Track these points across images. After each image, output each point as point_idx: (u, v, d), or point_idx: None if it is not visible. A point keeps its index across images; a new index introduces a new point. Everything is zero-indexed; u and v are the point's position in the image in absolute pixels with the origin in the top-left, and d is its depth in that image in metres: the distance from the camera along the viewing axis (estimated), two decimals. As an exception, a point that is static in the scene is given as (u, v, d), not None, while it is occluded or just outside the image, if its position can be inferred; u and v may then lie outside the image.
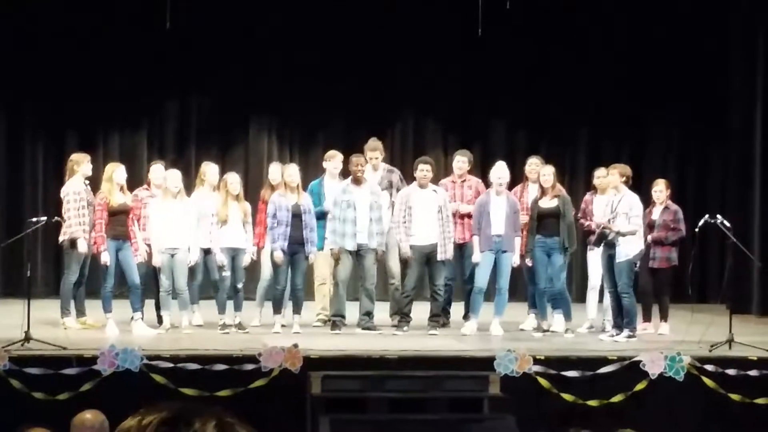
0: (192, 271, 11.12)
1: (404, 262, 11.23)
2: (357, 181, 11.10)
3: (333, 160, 11.76)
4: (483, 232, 10.96)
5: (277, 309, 10.98)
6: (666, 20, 14.97)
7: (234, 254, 11.00)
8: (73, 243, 10.89)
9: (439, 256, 10.95)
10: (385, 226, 11.19)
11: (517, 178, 12.25)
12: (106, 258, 10.67)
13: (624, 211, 10.65)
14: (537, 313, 11.37)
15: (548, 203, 11.04)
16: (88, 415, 6.01)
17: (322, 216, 11.28)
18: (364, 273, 11.05)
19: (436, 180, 11.57)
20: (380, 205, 11.13)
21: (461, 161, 11.76)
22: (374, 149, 11.78)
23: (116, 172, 10.89)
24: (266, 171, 13.08)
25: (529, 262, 11.13)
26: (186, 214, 10.87)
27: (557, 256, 10.97)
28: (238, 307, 11.04)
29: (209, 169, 11.56)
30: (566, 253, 11.06)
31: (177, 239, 10.82)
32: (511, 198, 11.21)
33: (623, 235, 10.59)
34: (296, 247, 10.90)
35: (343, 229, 10.96)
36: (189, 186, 11.69)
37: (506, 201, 11.09)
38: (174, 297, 10.96)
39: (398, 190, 11.60)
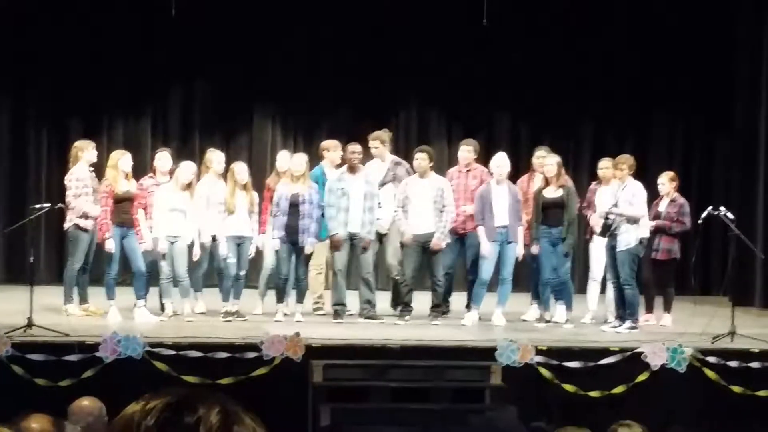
0: (197, 258, 11.10)
1: (402, 250, 11.20)
2: (352, 170, 11.07)
3: (332, 150, 11.65)
4: (487, 224, 10.94)
5: (280, 298, 10.98)
6: (671, 12, 14.92)
7: (240, 242, 11.00)
8: (86, 216, 10.80)
9: (432, 244, 10.92)
10: (382, 216, 11.15)
11: (521, 168, 12.23)
12: (111, 245, 10.66)
13: (626, 198, 10.63)
14: (540, 304, 11.36)
15: (553, 193, 11.00)
16: (86, 402, 6.03)
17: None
18: (359, 262, 11.04)
19: (441, 170, 11.53)
20: (374, 194, 11.05)
21: (466, 150, 11.71)
22: (375, 138, 11.65)
23: (122, 159, 10.88)
24: (270, 159, 13.03)
25: (535, 249, 11.05)
26: (189, 202, 10.86)
27: (562, 247, 10.93)
28: (237, 295, 11.04)
29: (214, 157, 11.49)
30: (564, 244, 10.98)
31: (178, 227, 10.82)
32: (513, 188, 11.17)
33: (627, 219, 10.53)
34: (296, 236, 10.88)
35: (337, 216, 10.94)
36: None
37: (508, 191, 11.06)
38: (175, 285, 10.97)
39: None
